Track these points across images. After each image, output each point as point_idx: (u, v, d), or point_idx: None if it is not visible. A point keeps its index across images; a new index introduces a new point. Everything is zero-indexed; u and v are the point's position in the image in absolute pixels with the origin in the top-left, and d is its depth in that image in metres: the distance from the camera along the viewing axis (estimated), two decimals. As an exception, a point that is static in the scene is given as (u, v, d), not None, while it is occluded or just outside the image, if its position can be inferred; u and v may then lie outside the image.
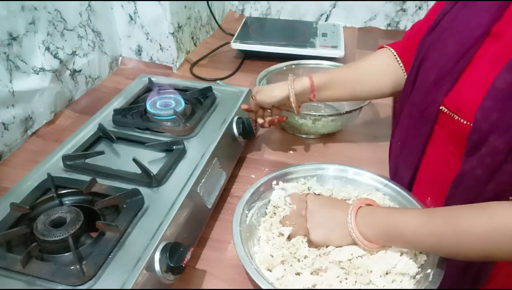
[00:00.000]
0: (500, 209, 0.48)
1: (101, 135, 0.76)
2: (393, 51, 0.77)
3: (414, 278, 0.56)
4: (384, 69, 0.77)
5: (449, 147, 0.60)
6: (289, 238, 0.62)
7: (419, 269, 0.56)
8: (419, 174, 0.68)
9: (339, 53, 1.19)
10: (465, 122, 0.54)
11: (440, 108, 0.59)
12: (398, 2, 1.44)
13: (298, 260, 0.59)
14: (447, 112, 0.58)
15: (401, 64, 0.76)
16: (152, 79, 0.95)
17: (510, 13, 0.54)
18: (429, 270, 0.55)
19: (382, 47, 0.80)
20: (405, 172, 0.69)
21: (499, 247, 0.48)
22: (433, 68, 0.60)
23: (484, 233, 0.48)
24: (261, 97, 0.79)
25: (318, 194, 0.67)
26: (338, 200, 0.66)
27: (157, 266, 0.53)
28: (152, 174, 0.64)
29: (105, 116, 0.82)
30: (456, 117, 0.56)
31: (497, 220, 0.48)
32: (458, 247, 0.50)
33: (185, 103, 0.85)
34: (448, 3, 0.63)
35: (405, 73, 0.75)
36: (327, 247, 0.59)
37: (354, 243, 0.58)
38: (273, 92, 0.78)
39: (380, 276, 0.56)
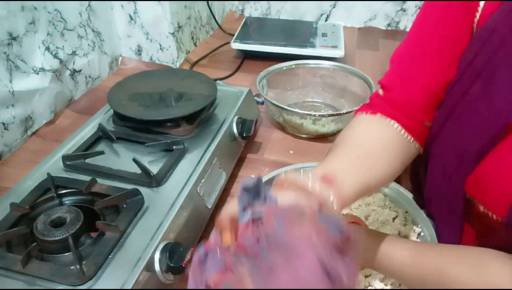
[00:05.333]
0: (492, 268, 0.46)
1: (101, 135, 0.75)
2: (398, 127, 0.56)
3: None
4: (393, 149, 0.56)
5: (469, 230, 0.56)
6: None
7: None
8: None
9: (339, 53, 1.19)
10: (493, 216, 0.49)
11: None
12: (398, 2, 1.44)
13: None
14: (471, 199, 0.52)
15: (411, 140, 0.57)
16: (152, 79, 0.94)
17: None
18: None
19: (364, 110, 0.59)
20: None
21: None
22: (450, 155, 0.52)
23: (471, 288, 0.46)
24: None
25: None
26: None
27: (157, 266, 0.53)
28: (152, 174, 0.64)
29: (105, 116, 0.82)
30: (482, 208, 0.50)
31: (487, 280, 0.46)
32: None
33: (185, 103, 0.84)
34: (465, 78, 0.51)
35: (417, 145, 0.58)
36: None
37: None
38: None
39: (379, 279, 0.56)
